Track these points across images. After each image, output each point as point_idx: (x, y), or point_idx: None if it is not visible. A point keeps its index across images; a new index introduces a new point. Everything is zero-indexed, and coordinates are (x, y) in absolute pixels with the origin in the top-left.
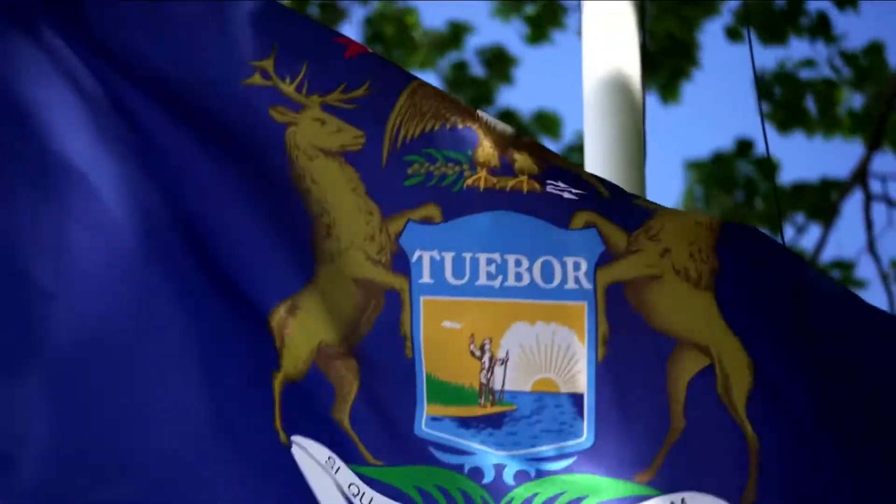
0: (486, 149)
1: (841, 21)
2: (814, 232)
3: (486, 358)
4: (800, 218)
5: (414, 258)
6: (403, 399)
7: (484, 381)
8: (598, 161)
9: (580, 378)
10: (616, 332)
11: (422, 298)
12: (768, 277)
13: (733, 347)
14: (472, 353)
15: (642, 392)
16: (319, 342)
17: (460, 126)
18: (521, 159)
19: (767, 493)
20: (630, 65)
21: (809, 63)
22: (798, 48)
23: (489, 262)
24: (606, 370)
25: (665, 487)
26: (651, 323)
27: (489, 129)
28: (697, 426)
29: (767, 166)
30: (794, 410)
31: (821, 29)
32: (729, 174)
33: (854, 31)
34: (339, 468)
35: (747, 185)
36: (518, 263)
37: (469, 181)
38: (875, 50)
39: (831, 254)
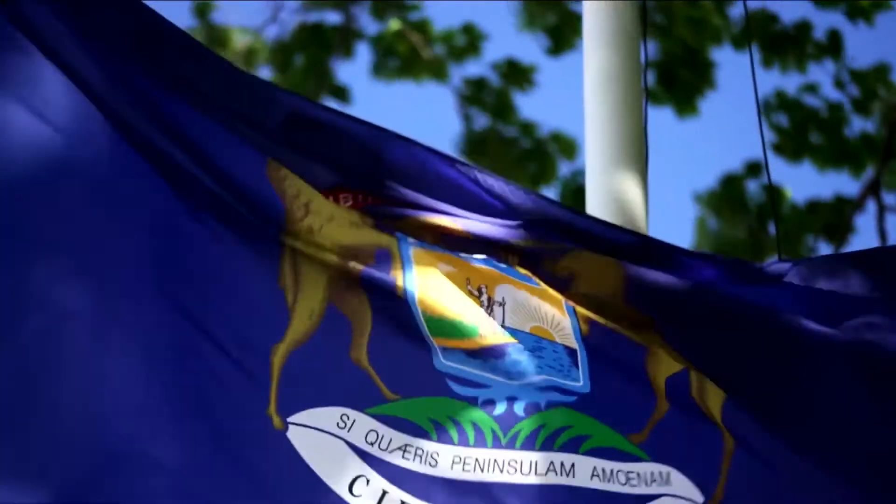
0: None
1: (849, 38)
2: (827, 250)
3: (484, 298)
4: (814, 237)
5: None
6: (414, 334)
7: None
8: (600, 164)
9: (570, 339)
10: (595, 320)
11: (412, 249)
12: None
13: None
14: (471, 292)
15: (626, 372)
16: (328, 277)
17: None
18: None
19: (734, 496)
20: (631, 68)
21: (812, 88)
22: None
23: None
24: (591, 344)
25: (654, 456)
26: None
27: None
28: (677, 415)
29: (774, 192)
30: (770, 426)
31: (830, 48)
32: (739, 197)
33: (861, 49)
34: (353, 423)
35: (759, 208)
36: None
37: None
38: (882, 70)
39: None
